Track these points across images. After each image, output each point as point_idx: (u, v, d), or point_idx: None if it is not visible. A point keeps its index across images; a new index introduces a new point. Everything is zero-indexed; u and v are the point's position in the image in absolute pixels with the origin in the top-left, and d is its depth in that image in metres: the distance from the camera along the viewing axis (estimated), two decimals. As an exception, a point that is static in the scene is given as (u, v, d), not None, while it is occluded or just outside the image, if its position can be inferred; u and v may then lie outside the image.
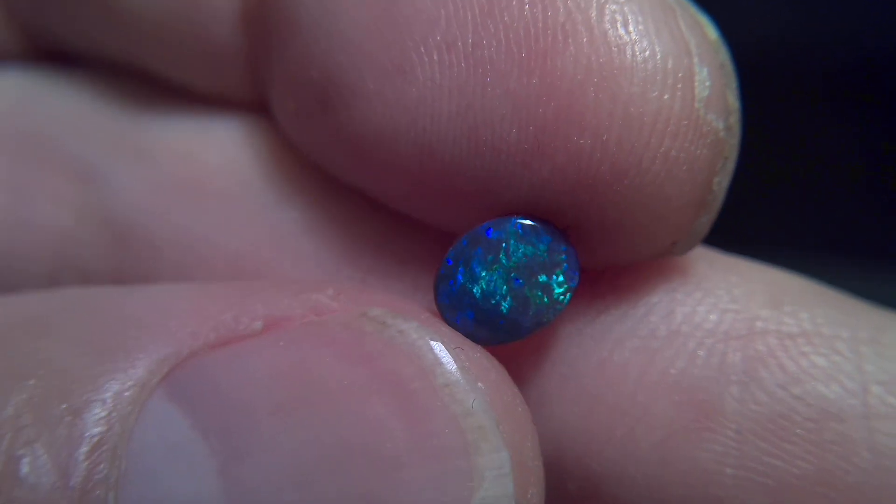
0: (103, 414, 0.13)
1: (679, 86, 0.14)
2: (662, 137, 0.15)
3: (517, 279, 0.16)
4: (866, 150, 0.50)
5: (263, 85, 0.19)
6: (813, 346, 0.16)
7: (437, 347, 0.14)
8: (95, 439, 0.13)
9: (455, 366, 0.14)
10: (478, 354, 0.15)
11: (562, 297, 0.16)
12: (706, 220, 0.16)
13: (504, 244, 0.16)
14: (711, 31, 0.15)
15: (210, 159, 0.19)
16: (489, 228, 0.16)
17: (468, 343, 0.15)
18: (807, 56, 0.48)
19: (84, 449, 0.13)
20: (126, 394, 0.14)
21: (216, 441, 0.13)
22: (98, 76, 0.21)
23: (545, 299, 0.16)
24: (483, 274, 0.16)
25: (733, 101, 0.15)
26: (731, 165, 0.16)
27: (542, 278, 0.16)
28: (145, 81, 0.20)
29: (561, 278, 0.16)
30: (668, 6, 0.15)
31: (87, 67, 0.21)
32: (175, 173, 0.19)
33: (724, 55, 0.15)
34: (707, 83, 0.15)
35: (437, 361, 0.14)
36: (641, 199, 0.15)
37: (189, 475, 0.13)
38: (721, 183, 0.16)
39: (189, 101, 0.20)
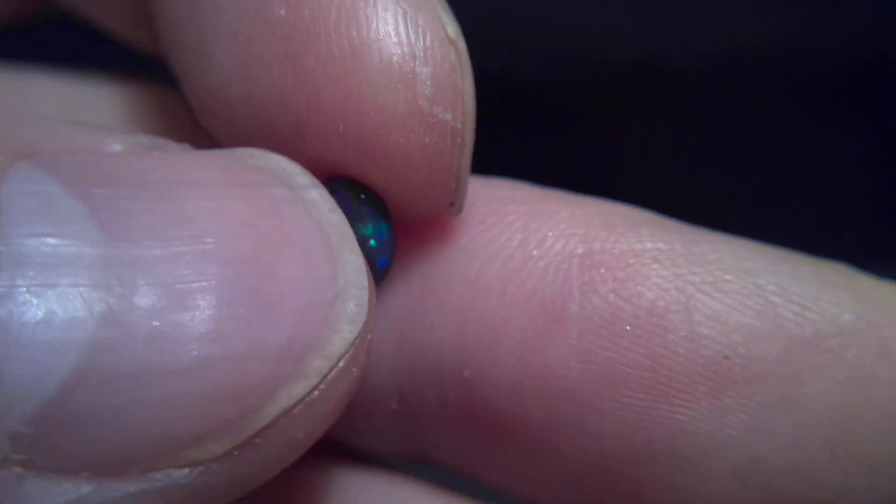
0: None
1: (400, 86, 0.17)
2: (390, 129, 0.17)
3: None
4: (866, 152, 0.51)
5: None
6: (637, 258, 0.19)
7: (307, 175, 0.17)
8: None
9: (320, 191, 0.17)
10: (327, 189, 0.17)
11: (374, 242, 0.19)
12: (462, 186, 0.19)
13: None
14: (451, 27, 0.18)
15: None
16: None
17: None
18: (807, 58, 0.50)
19: None
20: None
21: (91, 204, 0.14)
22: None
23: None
24: None
25: (466, 90, 0.18)
26: (469, 143, 0.18)
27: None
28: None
29: (370, 229, 0.19)
30: (405, 9, 0.17)
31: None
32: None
33: (460, 50, 0.18)
34: (428, 82, 0.17)
35: (305, 185, 0.17)
36: (393, 178, 0.18)
37: (66, 223, 0.14)
38: (463, 161, 0.18)
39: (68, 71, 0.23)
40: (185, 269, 0.15)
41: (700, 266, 0.18)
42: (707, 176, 0.51)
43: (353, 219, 0.18)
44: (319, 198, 0.17)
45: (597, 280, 0.18)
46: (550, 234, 0.19)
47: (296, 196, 0.16)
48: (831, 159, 0.51)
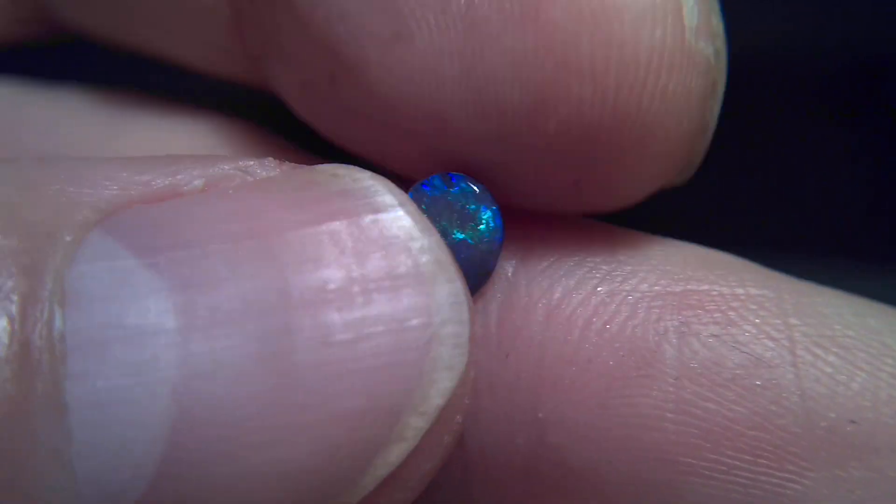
0: (44, 236, 0.13)
1: (669, 19, 0.15)
2: (659, 73, 0.15)
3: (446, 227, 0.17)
4: (866, 153, 0.50)
5: (259, 58, 0.20)
6: (742, 303, 0.17)
7: (394, 191, 0.14)
8: (36, 256, 0.13)
9: (411, 208, 0.14)
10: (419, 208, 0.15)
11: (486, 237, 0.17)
12: (703, 146, 0.17)
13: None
14: None
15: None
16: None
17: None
18: (806, 59, 0.49)
19: (23, 263, 0.13)
20: (65, 225, 0.13)
21: (166, 272, 0.13)
22: (72, 89, 0.22)
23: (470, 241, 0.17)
24: None
25: (717, 24, 0.16)
26: (721, 89, 0.16)
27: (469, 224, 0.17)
28: (139, 60, 0.21)
29: (482, 227, 0.17)
30: None
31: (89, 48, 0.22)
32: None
33: None
34: (695, 11, 0.15)
35: (394, 203, 0.14)
36: (644, 138, 0.16)
37: (138, 300, 0.13)
38: (713, 108, 0.16)
39: (159, 108, 0.21)
40: (254, 327, 0.13)
41: (813, 318, 0.16)
42: (707, 176, 0.50)
43: (461, 211, 0.17)
44: (408, 219, 0.14)
45: (695, 323, 0.17)
46: (641, 268, 0.17)
47: (381, 223, 0.14)
48: (831, 159, 0.50)
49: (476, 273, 0.17)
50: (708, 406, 0.16)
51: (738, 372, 0.16)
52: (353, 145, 0.18)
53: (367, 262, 0.14)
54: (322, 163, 0.16)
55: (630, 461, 0.17)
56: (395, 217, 0.14)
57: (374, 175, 0.15)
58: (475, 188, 0.17)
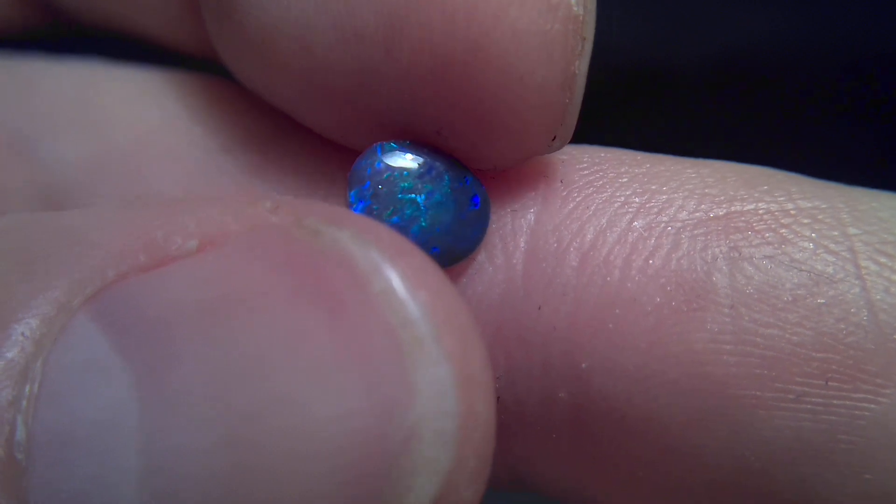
0: (14, 335, 0.13)
1: None
2: (508, 7, 0.14)
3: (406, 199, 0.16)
4: (867, 151, 0.50)
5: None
6: (793, 218, 0.16)
7: (374, 254, 0.13)
8: (6, 359, 0.12)
9: (393, 272, 0.13)
10: (418, 260, 0.13)
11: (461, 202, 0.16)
12: (573, 109, 0.16)
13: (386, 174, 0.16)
14: None
15: (149, 119, 0.19)
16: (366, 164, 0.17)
17: (410, 248, 0.14)
18: (804, 58, 0.49)
19: None
20: (42, 315, 0.13)
21: (134, 355, 0.13)
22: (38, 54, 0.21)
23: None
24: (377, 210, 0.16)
25: None
26: (589, 48, 0.15)
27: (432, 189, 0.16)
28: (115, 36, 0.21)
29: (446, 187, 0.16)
30: None
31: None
32: (113, 134, 0.19)
33: None
34: None
35: (373, 269, 0.13)
36: (500, 77, 0.15)
37: (104, 391, 0.12)
38: (581, 67, 0.15)
39: (130, 64, 0.20)
40: (218, 413, 0.12)
41: (872, 225, 0.15)
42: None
43: (430, 177, 0.16)
44: (389, 285, 0.13)
45: (745, 246, 0.15)
46: (677, 195, 0.16)
47: (360, 291, 0.13)
48: (831, 158, 0.50)
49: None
50: (770, 332, 0.15)
51: (798, 292, 0.15)
52: (252, 85, 0.18)
53: (338, 336, 0.12)
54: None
55: (688, 401, 0.15)
56: (375, 284, 0.13)
57: (359, 232, 0.13)
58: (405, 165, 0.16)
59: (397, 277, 0.13)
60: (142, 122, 0.19)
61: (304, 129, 0.18)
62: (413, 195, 0.16)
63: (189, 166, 0.19)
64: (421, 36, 0.15)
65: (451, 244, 0.16)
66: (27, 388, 0.12)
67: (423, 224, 0.16)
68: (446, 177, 0.16)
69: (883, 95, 0.49)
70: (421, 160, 0.16)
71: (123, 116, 0.19)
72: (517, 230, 0.17)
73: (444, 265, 0.16)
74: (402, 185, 0.16)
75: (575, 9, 0.15)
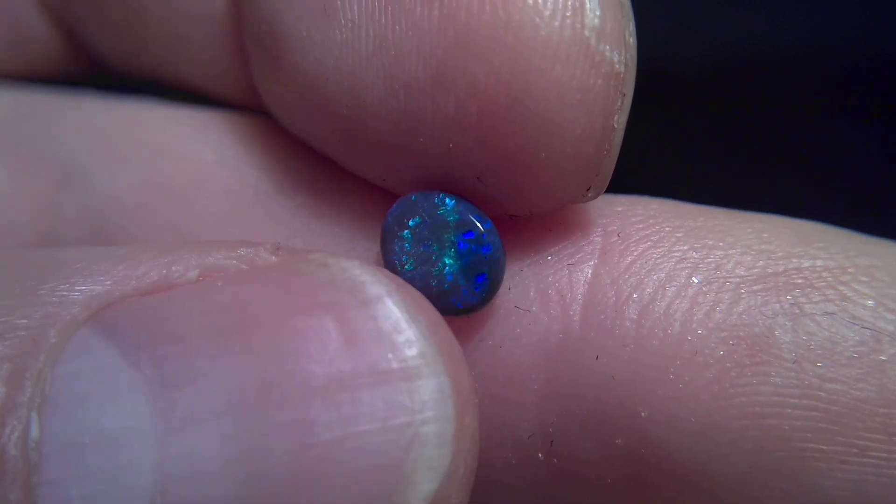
0: (28, 340, 0.13)
1: (568, 14, 0.15)
2: (553, 63, 0.15)
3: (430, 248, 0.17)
4: (863, 152, 0.51)
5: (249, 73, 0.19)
6: (852, 276, 0.16)
7: (380, 283, 0.14)
8: (18, 362, 0.13)
9: (398, 298, 0.14)
10: (416, 294, 0.15)
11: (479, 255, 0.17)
12: (610, 161, 0.16)
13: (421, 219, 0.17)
14: None
15: (204, 157, 0.20)
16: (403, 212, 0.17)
17: (407, 285, 0.15)
18: (802, 59, 0.49)
19: (4, 371, 0.13)
20: (52, 326, 0.13)
21: (148, 370, 0.13)
22: (95, 89, 0.21)
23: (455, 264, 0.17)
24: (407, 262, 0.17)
25: (630, 39, 0.16)
26: (628, 104, 0.16)
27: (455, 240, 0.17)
28: (161, 88, 0.21)
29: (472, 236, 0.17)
30: None
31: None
32: (166, 171, 0.20)
33: None
34: (597, 13, 0.15)
35: (380, 295, 0.14)
36: (541, 129, 0.15)
37: (117, 402, 0.13)
38: (620, 121, 0.16)
39: (184, 104, 0.21)
40: (231, 427, 0.13)
41: None
42: (704, 176, 0.50)
43: (443, 227, 0.16)
44: (395, 310, 0.14)
45: (806, 303, 0.16)
46: (734, 250, 0.17)
47: (367, 315, 0.14)
48: (829, 158, 0.50)
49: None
50: (833, 387, 0.15)
51: (860, 349, 0.15)
52: (300, 132, 0.18)
53: (351, 357, 0.13)
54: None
55: (750, 454, 0.16)
56: (382, 308, 0.14)
57: (364, 264, 0.14)
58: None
59: (402, 303, 0.14)
60: (195, 160, 0.19)
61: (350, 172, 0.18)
62: (434, 255, 0.17)
63: (241, 207, 0.19)
64: (467, 88, 0.15)
65: (455, 304, 0.17)
66: (42, 390, 0.13)
67: (434, 282, 0.17)
68: (461, 239, 0.17)
69: (882, 96, 0.49)
70: (446, 220, 0.17)
71: (177, 154, 0.20)
72: (574, 283, 0.17)
73: (453, 316, 0.17)
74: (424, 241, 0.17)
75: (617, 66, 0.15)
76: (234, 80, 0.20)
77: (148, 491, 0.12)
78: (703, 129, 0.49)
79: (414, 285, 0.16)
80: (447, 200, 0.17)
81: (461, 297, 0.17)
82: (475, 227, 0.17)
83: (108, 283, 0.14)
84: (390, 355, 0.14)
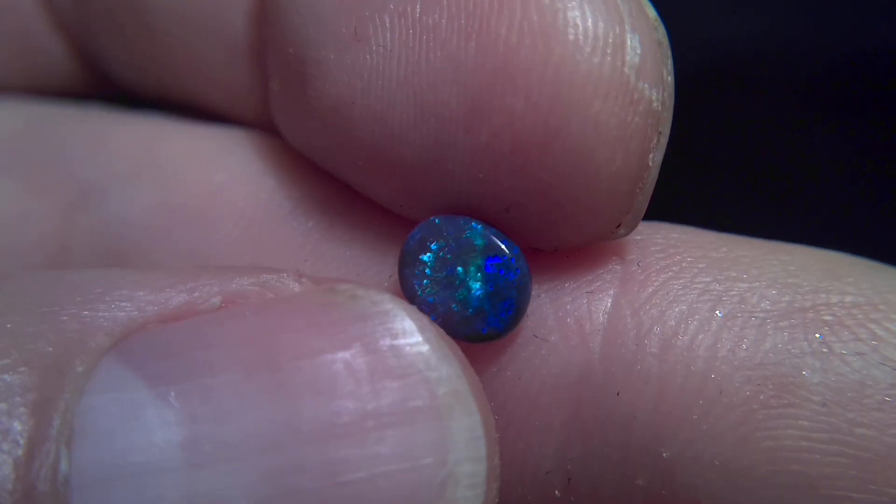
0: (54, 370, 0.13)
1: (609, 51, 0.15)
2: (592, 99, 0.15)
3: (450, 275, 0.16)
4: (857, 151, 0.51)
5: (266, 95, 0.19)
6: (883, 313, 0.15)
7: (413, 315, 0.14)
8: (45, 393, 0.13)
9: (430, 334, 0.14)
10: (441, 332, 0.14)
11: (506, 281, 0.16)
12: (643, 199, 0.16)
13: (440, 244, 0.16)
14: (650, 10, 0.16)
15: (218, 177, 0.19)
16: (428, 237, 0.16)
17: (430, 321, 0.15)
18: (796, 57, 0.49)
19: (32, 401, 0.13)
20: (77, 355, 0.13)
21: (176, 402, 0.13)
22: (107, 106, 0.21)
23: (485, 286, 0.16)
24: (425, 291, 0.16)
25: (668, 77, 0.16)
26: (664, 142, 0.16)
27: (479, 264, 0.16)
28: (172, 106, 0.20)
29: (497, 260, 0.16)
30: None
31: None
32: (180, 191, 0.19)
33: (661, 34, 0.16)
34: (637, 51, 0.15)
35: (412, 329, 0.14)
36: (576, 164, 0.15)
37: (146, 435, 0.13)
38: (656, 160, 0.16)
39: (198, 122, 0.20)
40: (261, 464, 0.13)
41: None
42: (703, 175, 0.50)
43: (468, 251, 0.16)
44: (426, 346, 0.14)
45: (836, 342, 0.15)
46: (758, 283, 0.16)
47: (398, 351, 0.14)
48: (826, 157, 0.50)
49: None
50: (863, 432, 0.15)
51: (892, 392, 0.15)
52: (320, 158, 0.18)
53: (382, 393, 0.13)
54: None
55: (777, 500, 0.15)
56: (413, 344, 0.14)
57: (394, 298, 0.14)
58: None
59: (434, 340, 0.14)
60: (210, 180, 0.19)
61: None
62: (457, 279, 0.16)
63: (254, 229, 0.19)
64: (503, 119, 0.15)
65: (478, 330, 0.16)
66: (70, 423, 0.13)
67: (457, 307, 0.16)
68: (488, 263, 0.16)
69: (879, 93, 0.49)
70: (473, 243, 0.16)
71: (192, 174, 0.19)
72: (594, 312, 0.16)
73: (476, 342, 0.16)
74: (448, 265, 0.16)
75: (655, 104, 0.15)
76: (249, 102, 0.20)
77: None
78: (703, 129, 0.49)
79: (434, 310, 0.16)
80: (473, 224, 0.16)
81: (486, 323, 0.16)
82: (503, 252, 0.16)
83: (131, 309, 0.14)
84: (423, 392, 0.13)
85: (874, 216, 0.48)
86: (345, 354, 0.13)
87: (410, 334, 0.14)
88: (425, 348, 0.14)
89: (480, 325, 0.16)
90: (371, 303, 0.14)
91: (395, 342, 0.14)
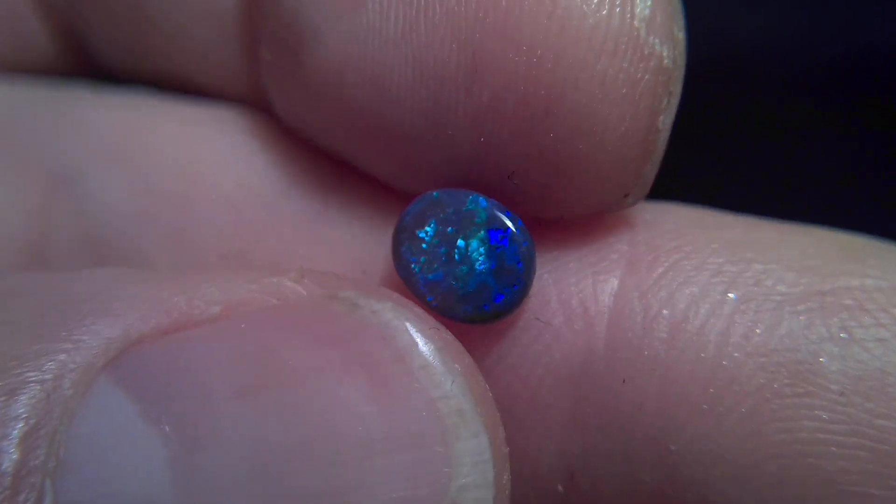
0: (41, 396, 0.12)
1: (618, 2, 0.14)
2: (599, 55, 0.14)
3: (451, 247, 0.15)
4: (854, 147, 0.50)
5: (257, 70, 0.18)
6: None
7: (414, 328, 0.13)
8: (32, 422, 0.12)
9: (433, 346, 0.13)
10: (451, 337, 0.14)
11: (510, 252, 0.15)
12: (652, 166, 0.15)
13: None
14: None
15: (205, 158, 0.18)
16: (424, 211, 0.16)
17: (442, 326, 0.14)
18: (794, 53, 0.49)
19: (18, 432, 0.12)
20: (67, 376, 0.12)
21: (169, 429, 0.12)
22: (89, 85, 0.20)
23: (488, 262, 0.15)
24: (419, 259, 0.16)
25: (679, 34, 0.15)
26: (675, 104, 0.15)
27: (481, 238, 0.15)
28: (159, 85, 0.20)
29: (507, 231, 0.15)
30: None
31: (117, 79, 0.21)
32: (166, 174, 0.18)
33: None
34: (648, 3, 0.14)
35: (414, 342, 0.13)
36: (582, 126, 0.14)
37: (136, 464, 0.12)
38: (666, 123, 0.15)
39: (185, 100, 0.20)
40: (257, 494, 0.12)
41: None
42: (702, 175, 0.49)
43: (470, 224, 0.15)
44: (429, 359, 0.13)
45: (856, 327, 0.14)
46: (775, 265, 0.15)
47: (401, 366, 0.13)
48: (824, 156, 0.50)
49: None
50: (883, 424, 0.14)
51: None
52: (314, 133, 0.17)
53: (383, 417, 0.12)
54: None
55: (790, 498, 0.14)
56: (416, 359, 0.13)
57: (396, 306, 0.13)
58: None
59: (436, 352, 0.13)
60: (198, 161, 0.18)
61: (359, 171, 0.17)
62: (457, 254, 0.15)
63: (244, 212, 0.18)
64: (505, 77, 0.14)
65: (481, 308, 0.16)
66: (57, 451, 0.12)
67: (458, 284, 0.15)
68: (491, 236, 0.15)
69: (878, 92, 0.49)
70: (474, 217, 0.15)
71: (179, 155, 0.18)
72: (599, 294, 0.15)
73: (478, 322, 0.16)
74: (447, 240, 0.15)
75: (666, 61, 0.14)
76: (239, 78, 0.19)
77: None
78: (702, 129, 0.48)
79: (432, 290, 0.15)
80: (474, 196, 0.15)
81: (489, 300, 0.15)
82: (506, 225, 0.15)
83: (125, 322, 0.13)
84: (425, 414, 0.13)
85: (871, 210, 0.48)
86: (343, 377, 0.13)
87: (412, 348, 0.13)
88: (428, 362, 0.13)
89: (483, 303, 0.15)
90: (371, 313, 0.13)
91: (396, 358, 0.13)
